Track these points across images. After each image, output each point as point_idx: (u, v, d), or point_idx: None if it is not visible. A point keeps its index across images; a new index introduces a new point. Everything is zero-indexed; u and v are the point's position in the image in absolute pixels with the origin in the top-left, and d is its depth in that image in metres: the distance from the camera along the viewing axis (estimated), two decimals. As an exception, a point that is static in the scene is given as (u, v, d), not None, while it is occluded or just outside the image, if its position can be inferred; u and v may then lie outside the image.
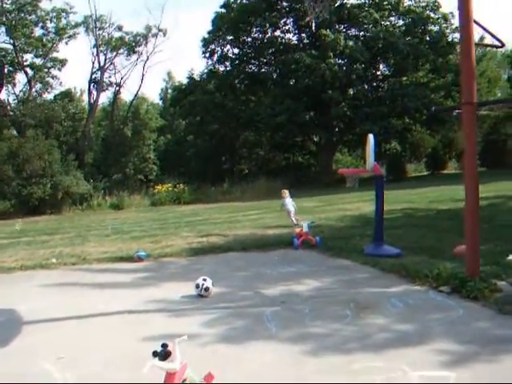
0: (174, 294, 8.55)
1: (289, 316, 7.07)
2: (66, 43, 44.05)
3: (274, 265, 10.50)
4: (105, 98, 64.26)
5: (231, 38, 44.08)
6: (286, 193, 17.00)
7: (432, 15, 42.28)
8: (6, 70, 42.05)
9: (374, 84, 43.48)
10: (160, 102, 63.37)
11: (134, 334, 6.69)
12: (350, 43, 37.82)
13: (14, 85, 44.19)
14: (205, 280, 8.25)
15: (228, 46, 45.28)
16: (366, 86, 42.19)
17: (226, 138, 44.54)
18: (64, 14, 42.50)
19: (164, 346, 4.61)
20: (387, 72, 43.84)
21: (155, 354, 4.55)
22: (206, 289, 8.18)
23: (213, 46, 44.95)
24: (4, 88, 42.56)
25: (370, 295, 7.86)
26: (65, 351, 6.23)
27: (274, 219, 18.26)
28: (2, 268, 11.52)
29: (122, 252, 12.61)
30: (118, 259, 11.91)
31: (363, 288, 8.29)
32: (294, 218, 16.02)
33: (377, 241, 10.70)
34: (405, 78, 42.05)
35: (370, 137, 10.31)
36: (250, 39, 44.56)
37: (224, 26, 42.92)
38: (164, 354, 4.54)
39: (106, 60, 45.80)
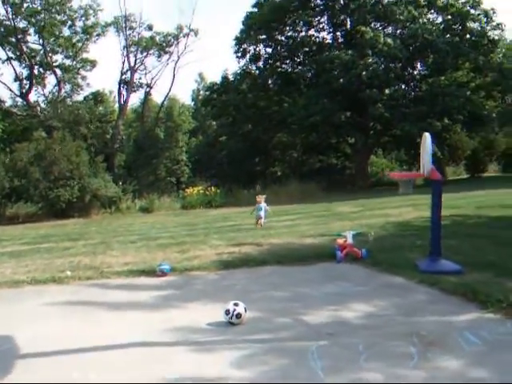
0: (199, 319, 7.24)
1: (339, 354, 5.68)
2: (95, 42, 43.45)
3: (315, 283, 9.09)
4: (136, 99, 63.83)
5: (263, 37, 42.91)
6: (261, 198, 17.45)
7: (472, 11, 40.54)
8: (35, 71, 41.60)
9: (412, 83, 41.94)
10: (191, 104, 62.58)
11: (147, 376, 5.41)
12: (389, 40, 36.33)
13: (44, 86, 43.77)
14: (236, 305, 6.92)
15: (261, 46, 44.17)
16: (404, 86, 40.77)
17: (258, 140, 43.44)
18: (92, 12, 41.93)
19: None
20: (425, 71, 42.19)
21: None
22: (238, 315, 6.86)
23: (245, 46, 43.88)
24: (34, 89, 42.13)
25: (435, 325, 6.45)
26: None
27: (310, 226, 17.03)
28: (11, 281, 10.36)
29: (144, 264, 11.35)
30: (140, 273, 10.62)
31: (425, 315, 6.89)
32: (260, 223, 17.04)
33: (433, 255, 9.30)
34: (443, 78, 40.41)
35: (427, 136, 8.94)
36: (283, 38, 43.38)
37: (256, 25, 41.75)
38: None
39: (136, 60, 45.06)
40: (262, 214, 17.25)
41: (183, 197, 34.13)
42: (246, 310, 6.98)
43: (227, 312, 6.89)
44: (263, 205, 17.41)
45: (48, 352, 6.34)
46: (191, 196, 33.35)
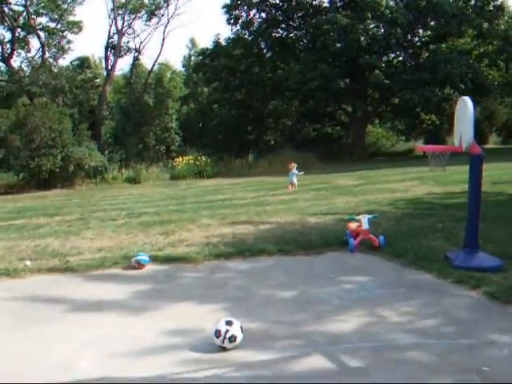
0: (179, 336, 5.58)
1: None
2: (81, 3, 41.14)
3: (328, 280, 7.35)
4: (126, 65, 61.81)
5: (257, 0, 40.66)
6: (293, 165, 20.48)
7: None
8: (18, 35, 39.47)
9: (413, 50, 39.97)
10: (183, 70, 60.46)
11: None
12: (391, 3, 34.34)
13: (29, 50, 41.57)
14: (229, 324, 5.21)
15: (254, 11, 41.85)
16: (405, 52, 38.85)
17: (251, 107, 41.59)
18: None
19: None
20: (427, 38, 40.20)
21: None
22: (232, 339, 5.15)
23: (237, 12, 41.65)
24: (17, 53, 40.08)
25: (497, 354, 4.79)
26: None
27: (310, 202, 15.37)
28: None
29: (121, 250, 9.63)
30: (113, 263, 8.79)
31: (478, 335, 5.22)
32: (291, 187, 19.51)
33: (469, 246, 7.63)
34: (444, 46, 38.63)
35: (467, 101, 7.23)
36: (277, 1, 41.11)
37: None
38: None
39: (123, 23, 42.81)
40: (295, 179, 19.84)
41: (172, 166, 32.41)
42: (241, 330, 5.29)
43: (217, 333, 5.17)
44: (295, 171, 20.09)
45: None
46: (180, 166, 31.67)
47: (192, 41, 62.63)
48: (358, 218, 9.35)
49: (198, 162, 31.55)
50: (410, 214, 11.97)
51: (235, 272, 8.13)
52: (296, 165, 20.58)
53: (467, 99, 7.24)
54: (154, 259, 8.84)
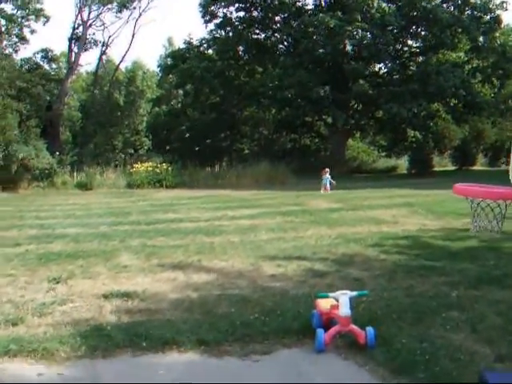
0: None
1: None
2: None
3: None
4: (95, 60, 58.68)
5: (236, -1, 37.55)
6: (326, 171, 23.25)
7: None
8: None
9: (402, 60, 37.09)
10: (157, 70, 57.35)
11: None
12: (383, 5, 31.26)
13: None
14: None
15: (231, 8, 38.90)
16: (395, 61, 35.95)
17: (226, 113, 38.54)
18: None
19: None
20: (418, 48, 37.41)
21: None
22: None
23: (213, 8, 38.62)
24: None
25: None
26: None
27: (273, 233, 12.14)
28: None
29: None
30: None
31: None
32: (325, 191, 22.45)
33: None
34: (434, 58, 35.93)
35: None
36: (258, 1, 38.05)
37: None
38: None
39: (89, 14, 39.46)
40: (327, 184, 22.77)
41: (129, 173, 29.02)
42: None
43: None
44: (328, 177, 22.93)
45: None
46: (139, 173, 28.33)
47: (169, 40, 60.06)
48: (333, 295, 5.25)
49: (158, 170, 28.27)
50: (405, 266, 8.44)
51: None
52: (328, 170, 23.28)
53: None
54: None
